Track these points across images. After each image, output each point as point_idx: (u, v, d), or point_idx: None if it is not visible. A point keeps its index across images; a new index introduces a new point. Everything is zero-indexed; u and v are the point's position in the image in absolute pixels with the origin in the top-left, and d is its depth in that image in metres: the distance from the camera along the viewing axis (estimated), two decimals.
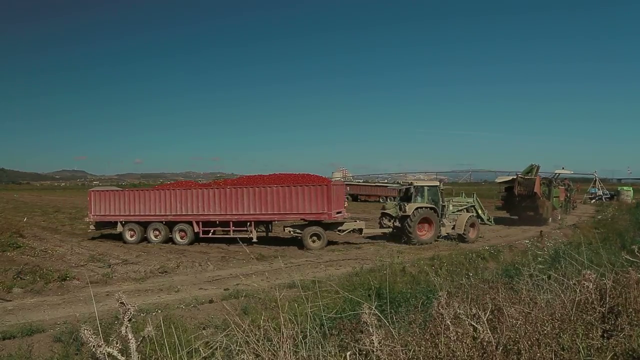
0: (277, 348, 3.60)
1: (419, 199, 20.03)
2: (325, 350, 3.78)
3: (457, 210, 21.37)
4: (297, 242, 20.22)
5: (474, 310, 3.84)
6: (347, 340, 3.96)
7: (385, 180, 72.88)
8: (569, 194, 36.01)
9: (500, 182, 30.87)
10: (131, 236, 20.59)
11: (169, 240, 20.28)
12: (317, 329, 4.23)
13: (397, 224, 20.37)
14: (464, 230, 20.08)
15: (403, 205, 19.92)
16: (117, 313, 3.39)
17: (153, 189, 21.83)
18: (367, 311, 3.61)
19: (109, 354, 3.06)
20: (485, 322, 3.66)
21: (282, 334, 3.65)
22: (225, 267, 15.29)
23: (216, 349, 3.90)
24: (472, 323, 3.75)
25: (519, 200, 27.44)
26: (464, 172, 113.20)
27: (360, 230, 19.97)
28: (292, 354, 3.59)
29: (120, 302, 3.33)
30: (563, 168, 30.55)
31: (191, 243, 19.89)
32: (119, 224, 20.76)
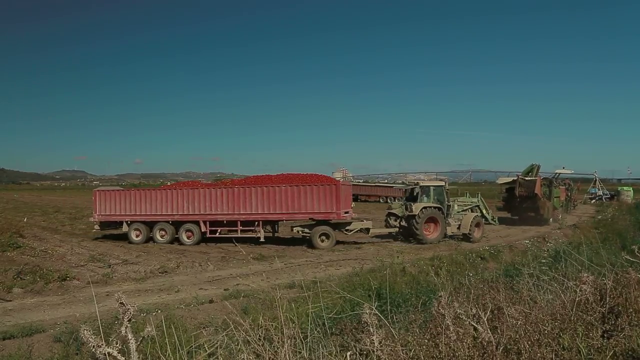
0: (277, 348, 3.60)
1: (425, 198, 20.21)
2: (326, 350, 3.78)
3: (462, 210, 21.58)
4: (299, 242, 20.22)
5: (474, 310, 3.84)
6: (347, 340, 3.97)
7: (386, 181, 72.82)
8: (569, 194, 36.08)
9: (501, 183, 30.95)
10: (137, 236, 20.50)
11: (175, 240, 20.23)
12: (317, 329, 4.23)
13: (403, 223, 20.57)
14: (469, 230, 20.24)
15: (409, 205, 20.09)
16: (117, 313, 3.38)
17: (160, 189, 21.83)
18: (367, 311, 3.61)
19: (109, 354, 3.06)
20: (486, 322, 3.66)
21: (283, 333, 3.65)
22: (226, 267, 15.28)
23: (217, 347, 3.89)
24: (473, 323, 3.75)
25: (520, 201, 27.55)
26: (464, 172, 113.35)
27: (367, 230, 20.09)
28: (292, 354, 3.59)
29: (120, 302, 3.32)
30: (563, 168, 30.64)
31: (198, 243, 19.84)
32: (124, 223, 20.68)
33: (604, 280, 4.43)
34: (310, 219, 19.13)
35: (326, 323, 4.57)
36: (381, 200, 48.12)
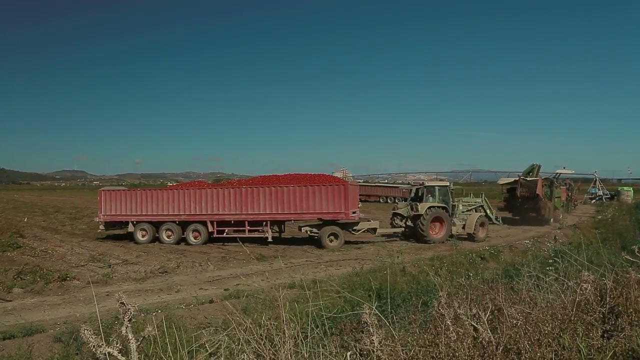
0: (278, 348, 3.61)
1: (430, 198, 20.40)
2: (326, 350, 3.78)
3: (467, 210, 21.73)
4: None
5: (474, 310, 3.85)
6: (347, 340, 3.97)
7: (386, 181, 72.92)
8: (570, 194, 36.17)
9: (502, 184, 31.01)
10: (143, 236, 20.44)
11: (182, 240, 20.20)
12: (318, 329, 4.23)
13: (409, 223, 20.76)
14: (474, 229, 20.46)
15: (415, 205, 20.27)
16: (118, 313, 3.38)
17: (166, 189, 21.76)
18: (367, 311, 3.61)
19: (110, 354, 3.06)
20: (486, 322, 3.66)
21: (284, 333, 3.65)
22: (226, 267, 15.28)
23: (218, 347, 3.90)
24: (473, 323, 3.75)
25: (522, 201, 27.66)
26: (464, 172, 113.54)
27: (374, 230, 20.22)
28: (293, 353, 3.59)
29: (121, 302, 3.33)
30: (564, 168, 30.75)
31: (205, 243, 19.82)
32: (130, 224, 20.62)
33: (604, 280, 4.43)
34: (318, 219, 19.20)
35: (326, 323, 4.57)
36: (381, 200, 48.17)
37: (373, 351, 3.45)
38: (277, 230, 20.62)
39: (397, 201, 46.64)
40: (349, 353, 3.64)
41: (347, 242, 19.68)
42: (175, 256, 17.02)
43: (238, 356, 3.67)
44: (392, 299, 6.54)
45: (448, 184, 21.91)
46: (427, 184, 21.58)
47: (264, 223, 19.41)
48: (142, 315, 7.52)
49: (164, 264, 15.29)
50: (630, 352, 3.50)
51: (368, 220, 20.69)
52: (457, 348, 3.45)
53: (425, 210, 19.66)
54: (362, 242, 19.90)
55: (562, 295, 4.53)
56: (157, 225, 20.44)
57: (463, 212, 21.40)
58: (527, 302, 4.34)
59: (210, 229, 19.81)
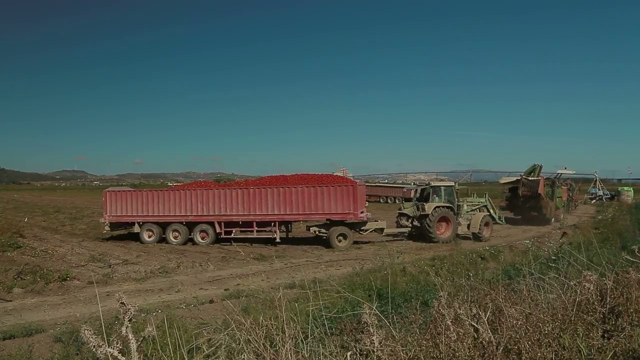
0: (278, 347, 3.60)
1: (436, 198, 20.60)
2: (326, 350, 3.78)
3: (471, 210, 21.94)
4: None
5: (474, 311, 3.84)
6: (348, 340, 3.97)
7: (386, 181, 72.91)
8: (571, 194, 36.25)
9: (504, 183, 31.14)
10: (149, 237, 20.41)
11: (189, 241, 20.18)
12: (318, 328, 4.23)
13: (416, 223, 20.97)
14: (479, 229, 20.64)
15: (422, 205, 20.45)
16: (118, 313, 3.38)
17: (173, 189, 21.75)
18: (367, 311, 3.61)
19: (110, 354, 3.06)
20: (486, 322, 3.66)
21: (284, 333, 3.65)
22: (226, 267, 15.29)
23: (218, 347, 3.89)
24: (473, 323, 3.75)
25: (523, 201, 27.80)
26: (464, 172, 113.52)
27: (381, 230, 20.35)
28: (293, 353, 3.59)
29: (121, 302, 3.33)
30: (565, 168, 30.86)
31: (212, 244, 19.79)
32: (136, 224, 20.59)
33: (604, 280, 4.43)
34: (327, 219, 19.25)
35: (326, 323, 4.57)
36: (381, 200, 48.17)
37: (373, 351, 3.45)
38: (285, 230, 20.72)
39: (397, 201, 46.82)
40: (349, 353, 3.64)
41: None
42: (175, 256, 17.02)
43: (238, 356, 3.67)
44: (393, 299, 6.54)
45: (453, 184, 22.13)
46: (433, 184, 21.85)
47: (273, 224, 19.44)
48: (143, 315, 7.51)
49: (164, 264, 15.29)
50: (630, 352, 3.50)
51: (375, 221, 20.81)
52: (458, 348, 3.44)
53: (432, 210, 19.87)
54: (362, 242, 19.91)
55: (563, 296, 4.53)
56: (163, 226, 20.40)
57: (467, 212, 21.64)
58: (527, 302, 4.34)
59: (218, 230, 19.80)
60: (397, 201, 47.22)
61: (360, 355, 3.62)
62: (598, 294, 4.26)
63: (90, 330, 3.07)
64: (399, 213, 22.23)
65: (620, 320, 3.88)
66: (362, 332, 3.72)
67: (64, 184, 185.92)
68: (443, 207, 20.14)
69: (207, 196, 20.02)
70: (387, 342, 3.54)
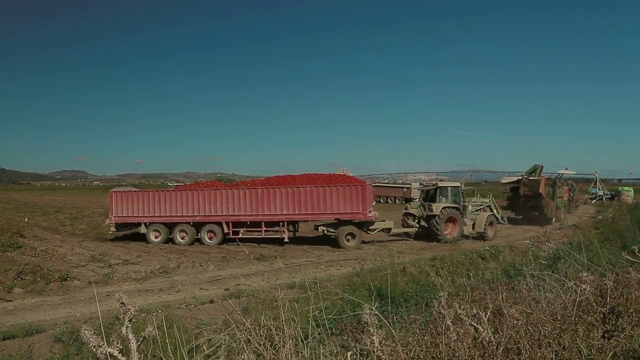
0: (279, 347, 3.60)
1: (443, 199, 20.77)
2: (326, 350, 3.78)
3: (475, 210, 22.12)
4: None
5: (474, 311, 3.84)
6: (348, 340, 3.96)
7: (386, 181, 72.84)
8: (572, 194, 36.29)
9: (505, 183, 31.22)
10: (156, 237, 20.35)
11: (196, 241, 20.18)
12: (318, 328, 4.23)
13: (423, 223, 21.12)
14: (484, 229, 20.90)
15: (429, 206, 20.59)
16: (118, 313, 3.38)
17: (180, 189, 21.71)
18: (367, 311, 3.61)
19: (110, 354, 3.06)
20: (486, 322, 3.65)
21: (284, 333, 3.65)
22: (226, 267, 15.29)
23: (218, 347, 3.90)
24: (473, 323, 3.75)
25: (524, 200, 27.90)
26: (464, 172, 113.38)
27: (389, 230, 20.48)
28: (293, 353, 3.58)
29: (121, 302, 3.33)
30: (566, 168, 30.95)
31: (220, 244, 19.78)
32: (142, 225, 20.53)
33: (604, 280, 4.42)
34: (336, 219, 19.31)
35: (326, 323, 4.57)
36: (381, 200, 48.12)
37: (373, 351, 3.45)
38: (292, 230, 20.78)
39: (397, 201, 46.82)
40: (349, 353, 3.64)
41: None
42: (175, 256, 17.02)
43: (238, 356, 3.67)
44: (393, 299, 6.54)
45: (459, 184, 22.38)
46: (440, 185, 22.03)
47: (281, 223, 19.47)
48: (143, 315, 7.52)
49: (164, 264, 15.29)
50: (631, 353, 3.50)
51: (383, 220, 20.88)
52: (458, 348, 3.44)
53: (441, 211, 20.05)
54: (363, 242, 19.92)
55: (563, 296, 4.52)
56: (170, 226, 20.36)
57: (472, 212, 21.83)
58: (527, 303, 4.34)
59: (226, 230, 19.80)
60: (397, 201, 47.21)
61: (361, 355, 3.62)
62: (598, 294, 4.26)
63: (90, 330, 3.07)
64: (405, 213, 22.36)
65: (620, 320, 3.88)
66: (362, 332, 3.72)
67: (64, 184, 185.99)
68: (451, 207, 20.35)
69: (214, 196, 20.00)
70: (387, 342, 3.54)
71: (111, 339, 3.19)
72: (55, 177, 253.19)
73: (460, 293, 4.99)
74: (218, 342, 3.95)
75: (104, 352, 3.04)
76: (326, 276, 12.10)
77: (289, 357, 3.53)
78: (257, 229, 19.59)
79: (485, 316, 3.71)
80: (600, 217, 31.18)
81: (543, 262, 10.11)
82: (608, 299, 4.12)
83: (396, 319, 4.77)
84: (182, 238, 20.12)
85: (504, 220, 23.66)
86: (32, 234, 23.24)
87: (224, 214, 19.81)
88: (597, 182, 55.70)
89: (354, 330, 4.49)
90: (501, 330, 3.66)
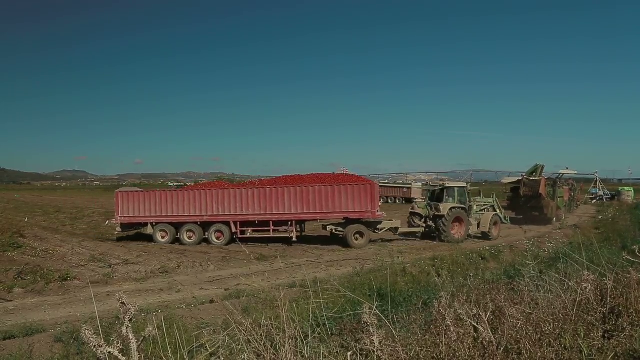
0: (279, 348, 3.60)
1: (450, 199, 20.94)
2: (327, 350, 3.78)
3: (480, 210, 22.35)
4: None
5: (475, 311, 3.84)
6: (348, 340, 3.96)
7: (386, 181, 72.84)
8: (572, 194, 36.34)
9: (506, 183, 31.31)
10: (163, 237, 20.31)
11: (203, 241, 20.17)
12: (318, 328, 4.23)
13: (430, 223, 21.30)
14: (489, 228, 21.15)
15: (436, 206, 20.77)
16: (118, 313, 3.38)
17: (187, 189, 21.75)
18: (368, 311, 3.61)
19: (110, 354, 3.06)
20: (487, 322, 3.65)
21: (285, 333, 3.65)
22: (226, 267, 15.30)
23: (219, 347, 3.90)
24: (473, 323, 3.75)
25: (525, 200, 27.96)
26: (464, 172, 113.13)
27: (396, 229, 20.62)
28: (293, 353, 3.58)
29: (121, 302, 3.32)
30: (567, 168, 31.02)
31: (228, 243, 19.78)
32: (149, 225, 20.54)
33: (604, 280, 4.42)
34: (344, 218, 19.37)
35: (327, 323, 4.57)
36: (382, 200, 48.10)
37: (374, 351, 3.45)
38: (299, 229, 20.83)
39: (397, 201, 46.81)
40: (349, 353, 3.64)
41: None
42: (175, 256, 17.03)
43: (238, 356, 3.67)
44: (393, 299, 6.54)
45: (465, 185, 22.61)
46: (447, 185, 22.21)
47: (289, 223, 19.50)
48: (143, 315, 7.52)
49: (164, 264, 15.30)
50: (631, 353, 3.50)
51: (390, 220, 20.96)
52: (458, 348, 3.44)
53: (448, 211, 20.17)
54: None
55: (563, 296, 4.52)
56: (177, 226, 20.32)
57: (477, 212, 22.02)
58: (527, 303, 4.34)
59: (234, 230, 19.79)
60: (397, 201, 47.22)
61: (361, 355, 3.62)
62: (598, 294, 4.26)
63: (90, 330, 3.07)
64: (411, 213, 22.50)
65: (620, 320, 3.88)
66: (363, 332, 3.71)
67: (64, 184, 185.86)
68: (458, 207, 20.51)
69: (222, 196, 20.01)
70: (387, 342, 3.54)
71: (111, 338, 3.19)
72: (55, 177, 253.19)
73: (461, 293, 4.99)
74: (218, 342, 3.94)
75: (104, 352, 3.04)
76: (326, 276, 12.10)
77: (289, 357, 3.52)
78: (265, 229, 19.61)
79: (486, 316, 3.71)
80: (600, 217, 31.17)
81: (543, 261, 10.11)
82: (608, 299, 4.12)
83: (396, 318, 4.78)
84: (190, 238, 20.08)
85: (507, 221, 23.87)
86: (32, 234, 23.24)
87: (232, 213, 19.82)
88: (598, 182, 55.72)
89: (354, 330, 4.49)
90: (501, 330, 3.66)
